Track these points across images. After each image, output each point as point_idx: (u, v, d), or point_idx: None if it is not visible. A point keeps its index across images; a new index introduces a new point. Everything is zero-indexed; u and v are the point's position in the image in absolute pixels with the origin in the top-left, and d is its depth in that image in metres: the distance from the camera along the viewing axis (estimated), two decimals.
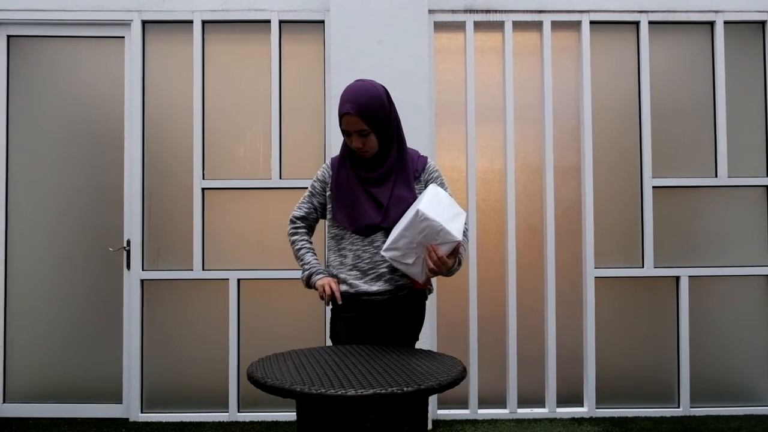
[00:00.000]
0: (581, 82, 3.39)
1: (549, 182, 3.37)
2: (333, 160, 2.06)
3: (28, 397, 3.35)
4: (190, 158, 3.35)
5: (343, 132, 1.91)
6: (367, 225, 1.92)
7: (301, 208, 2.09)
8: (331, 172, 2.02)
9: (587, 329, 3.34)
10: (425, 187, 2.00)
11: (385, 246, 1.83)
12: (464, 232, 1.90)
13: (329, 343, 2.09)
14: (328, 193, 2.02)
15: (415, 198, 1.95)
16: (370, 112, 1.84)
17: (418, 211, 1.72)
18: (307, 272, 2.01)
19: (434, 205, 1.78)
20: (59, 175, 3.38)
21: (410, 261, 1.81)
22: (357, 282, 1.94)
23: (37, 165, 3.38)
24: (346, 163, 1.98)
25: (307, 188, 2.12)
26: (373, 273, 1.93)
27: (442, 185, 2.01)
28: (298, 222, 2.09)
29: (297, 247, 2.07)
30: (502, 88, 3.40)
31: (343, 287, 1.96)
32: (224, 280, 3.33)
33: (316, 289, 1.96)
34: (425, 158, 2.05)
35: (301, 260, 2.04)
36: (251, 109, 3.39)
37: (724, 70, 3.39)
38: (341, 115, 1.87)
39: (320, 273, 1.99)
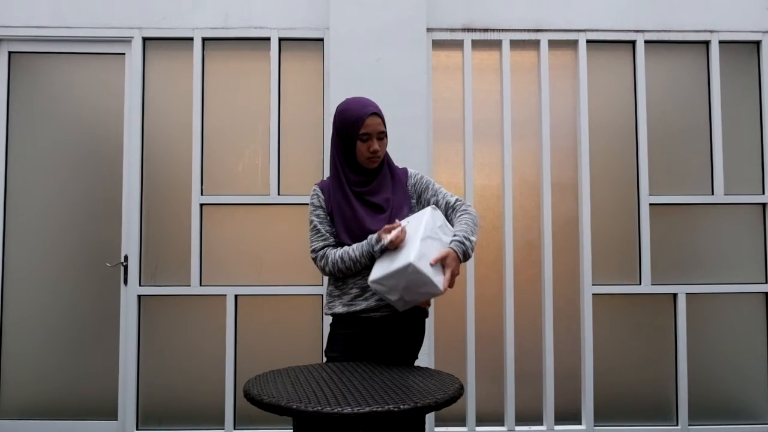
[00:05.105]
0: (578, 99, 3.41)
1: (546, 199, 3.38)
2: (321, 184, 2.05)
3: (23, 413, 3.32)
4: (189, 174, 3.36)
5: (361, 137, 1.90)
6: (368, 231, 1.90)
7: (316, 242, 1.98)
8: (323, 196, 2.00)
9: (585, 346, 3.33)
10: (415, 192, 2.01)
11: (373, 278, 1.82)
12: (463, 206, 2.00)
13: (325, 359, 2.06)
14: (323, 215, 1.99)
15: (410, 202, 1.98)
16: (383, 116, 1.95)
17: (410, 265, 1.73)
18: (364, 250, 1.87)
19: (427, 246, 1.80)
20: (58, 189, 3.39)
21: (393, 298, 1.83)
22: (356, 300, 1.92)
23: (36, 179, 3.39)
24: (341, 182, 1.97)
25: (310, 223, 2.01)
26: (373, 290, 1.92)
27: (428, 184, 2.03)
28: (321, 251, 1.97)
29: (338, 255, 1.92)
30: (499, 106, 3.42)
31: (341, 308, 1.94)
32: (222, 296, 3.32)
33: (388, 248, 1.82)
34: (405, 168, 2.08)
35: (350, 255, 1.90)
36: (250, 126, 3.41)
37: (719, 88, 3.42)
38: (364, 118, 1.89)
39: (372, 240, 1.87)
